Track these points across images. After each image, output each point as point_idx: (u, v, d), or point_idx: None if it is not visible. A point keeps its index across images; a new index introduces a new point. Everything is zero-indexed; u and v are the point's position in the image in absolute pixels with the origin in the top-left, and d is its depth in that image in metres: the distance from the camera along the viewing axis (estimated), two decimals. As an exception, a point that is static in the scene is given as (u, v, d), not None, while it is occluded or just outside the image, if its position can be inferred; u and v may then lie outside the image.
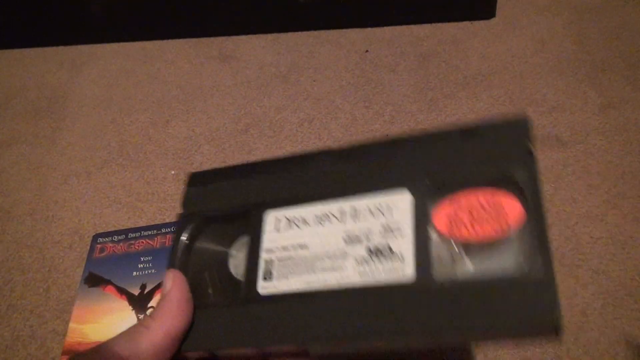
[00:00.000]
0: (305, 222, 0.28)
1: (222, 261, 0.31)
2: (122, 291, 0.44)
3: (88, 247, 0.48)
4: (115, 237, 0.48)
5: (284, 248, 0.27)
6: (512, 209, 0.24)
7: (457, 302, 0.22)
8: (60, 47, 0.75)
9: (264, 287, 0.27)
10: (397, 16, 0.66)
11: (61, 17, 0.72)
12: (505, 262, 0.23)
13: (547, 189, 0.47)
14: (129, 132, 0.61)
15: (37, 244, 0.51)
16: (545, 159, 0.49)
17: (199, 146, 0.58)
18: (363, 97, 0.59)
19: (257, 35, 0.70)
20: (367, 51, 0.65)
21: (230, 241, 0.31)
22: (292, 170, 0.30)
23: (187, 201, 0.32)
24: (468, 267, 0.24)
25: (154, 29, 0.72)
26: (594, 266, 0.42)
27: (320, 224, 0.27)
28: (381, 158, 0.28)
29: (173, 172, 0.56)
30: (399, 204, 0.26)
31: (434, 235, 0.25)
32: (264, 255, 0.28)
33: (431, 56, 0.62)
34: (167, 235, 0.47)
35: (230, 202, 0.30)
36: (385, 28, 0.67)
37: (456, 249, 0.25)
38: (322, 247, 0.27)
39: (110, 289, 0.44)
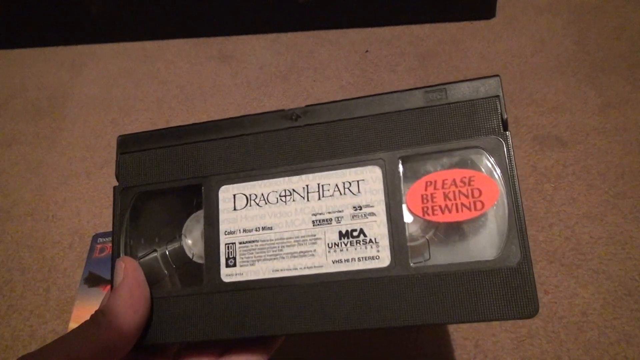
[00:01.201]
0: (266, 199, 0.25)
1: (175, 241, 0.28)
2: (122, 291, 0.44)
3: (88, 247, 0.48)
4: (115, 237, 0.48)
5: (246, 230, 0.25)
6: (486, 187, 0.23)
7: (434, 289, 0.22)
8: (60, 47, 0.75)
9: (227, 275, 0.25)
10: (397, 16, 0.66)
11: (61, 17, 0.72)
12: (481, 246, 0.23)
13: (547, 189, 0.47)
14: (129, 132, 0.61)
15: (37, 244, 0.51)
16: (545, 159, 0.49)
17: (199, 146, 0.58)
18: (363, 97, 0.59)
19: (257, 35, 0.70)
20: (367, 51, 0.65)
21: (180, 218, 0.28)
22: (242, 135, 0.26)
23: (121, 171, 0.28)
24: (443, 251, 0.23)
25: (154, 29, 0.72)
26: (594, 266, 0.42)
27: (283, 202, 0.25)
28: (346, 126, 0.25)
29: (173, 172, 0.56)
30: (369, 182, 0.24)
31: (408, 218, 0.23)
32: (224, 238, 0.25)
33: (431, 56, 0.62)
34: (167, 235, 0.47)
35: (173, 172, 0.27)
36: (385, 28, 0.67)
37: (431, 232, 0.24)
38: (289, 229, 0.24)
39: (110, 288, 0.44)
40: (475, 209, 0.23)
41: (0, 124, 0.65)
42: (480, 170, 0.23)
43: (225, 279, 0.25)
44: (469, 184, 0.23)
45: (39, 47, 0.75)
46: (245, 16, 0.70)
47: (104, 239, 0.48)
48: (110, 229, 0.51)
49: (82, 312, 0.43)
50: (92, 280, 0.45)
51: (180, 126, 0.28)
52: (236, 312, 0.24)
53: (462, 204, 0.23)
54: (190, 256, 0.27)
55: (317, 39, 0.68)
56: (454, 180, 0.23)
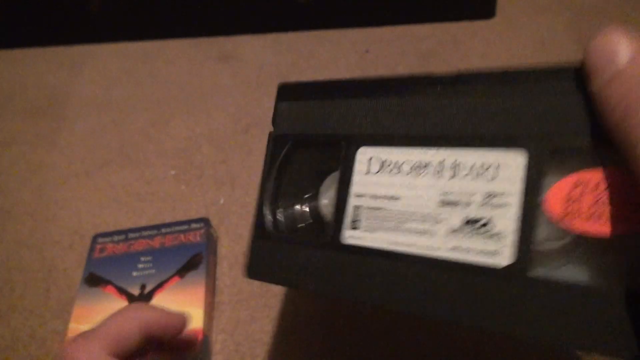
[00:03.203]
0: (399, 168, 0.24)
1: (314, 198, 0.29)
2: (122, 291, 0.44)
3: (88, 247, 0.48)
4: (115, 237, 0.48)
5: (374, 197, 0.24)
6: None
7: (547, 302, 0.19)
8: (60, 47, 0.75)
9: (349, 237, 0.24)
10: (397, 16, 0.66)
11: (61, 17, 0.72)
12: (615, 269, 0.19)
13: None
14: (129, 132, 0.61)
15: (37, 244, 0.51)
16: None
17: (199, 146, 0.58)
18: (363, 97, 0.59)
19: (257, 35, 0.70)
20: (367, 51, 0.65)
21: (321, 175, 0.28)
22: (393, 98, 0.25)
23: (277, 118, 0.29)
24: (572, 264, 0.20)
25: (154, 29, 0.72)
26: None
27: (416, 174, 0.23)
28: (497, 101, 0.21)
29: (173, 172, 0.56)
30: (509, 169, 0.21)
31: (542, 218, 0.20)
32: (352, 200, 0.25)
33: (431, 56, 0.62)
34: (167, 236, 0.47)
35: (324, 127, 0.27)
36: (385, 28, 0.67)
37: (566, 240, 0.20)
38: (415, 204, 0.23)
39: (110, 289, 0.44)
40: (630, 223, 0.17)
41: (0, 124, 0.65)
42: None
43: (347, 241, 0.24)
44: (630, 191, 0.18)
45: (39, 47, 0.75)
46: (245, 16, 0.70)
47: (104, 239, 0.48)
48: (110, 229, 0.51)
49: (83, 312, 0.43)
50: (93, 280, 0.45)
51: (338, 80, 0.27)
52: (349, 274, 0.24)
53: (614, 216, 0.18)
54: (324, 215, 0.28)
55: (317, 39, 0.68)
56: (612, 182, 0.18)
